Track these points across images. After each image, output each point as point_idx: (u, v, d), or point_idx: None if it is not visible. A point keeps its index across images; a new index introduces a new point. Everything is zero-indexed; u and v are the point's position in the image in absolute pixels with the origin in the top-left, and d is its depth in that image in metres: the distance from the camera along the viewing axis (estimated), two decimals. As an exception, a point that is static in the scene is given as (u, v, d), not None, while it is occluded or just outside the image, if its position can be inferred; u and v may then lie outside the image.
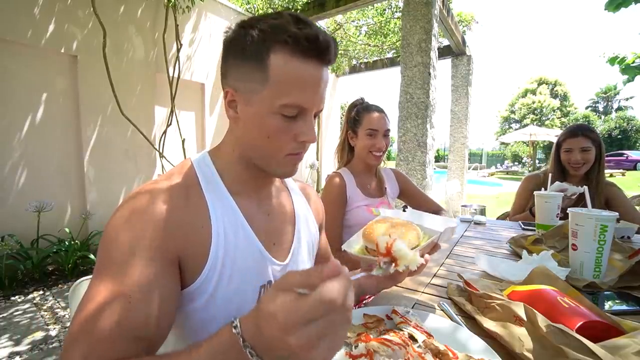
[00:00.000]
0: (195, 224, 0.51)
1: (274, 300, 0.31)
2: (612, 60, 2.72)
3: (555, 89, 26.78)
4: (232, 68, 0.53)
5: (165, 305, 0.44)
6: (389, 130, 1.32)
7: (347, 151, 1.41)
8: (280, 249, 0.62)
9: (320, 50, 0.49)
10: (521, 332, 0.48)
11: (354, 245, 0.67)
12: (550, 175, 1.39)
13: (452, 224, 0.66)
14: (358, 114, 1.33)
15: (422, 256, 0.55)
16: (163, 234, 0.46)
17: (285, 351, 0.30)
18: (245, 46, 0.50)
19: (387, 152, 1.39)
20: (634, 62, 2.62)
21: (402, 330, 0.50)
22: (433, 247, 0.65)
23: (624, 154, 16.63)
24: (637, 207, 1.75)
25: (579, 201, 1.44)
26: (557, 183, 1.36)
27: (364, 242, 0.64)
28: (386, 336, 0.46)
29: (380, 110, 1.32)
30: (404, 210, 0.79)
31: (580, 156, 1.45)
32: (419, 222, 0.69)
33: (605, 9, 2.24)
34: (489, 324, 0.53)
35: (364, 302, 0.86)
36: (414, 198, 1.48)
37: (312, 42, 0.48)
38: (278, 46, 0.48)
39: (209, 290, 0.51)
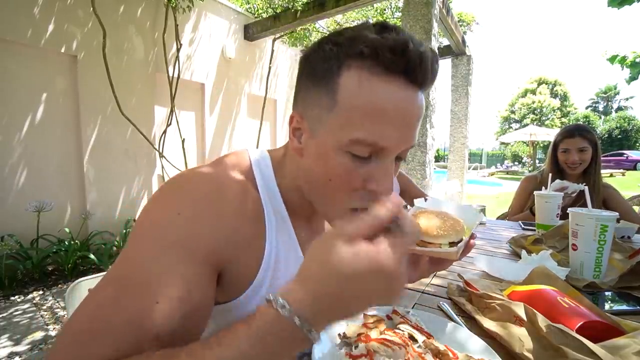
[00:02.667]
0: (250, 236, 0.44)
1: (330, 252, 0.28)
2: (612, 59, 2.72)
3: (555, 89, 26.80)
4: (302, 90, 0.44)
5: (200, 312, 0.38)
6: None
7: None
8: None
9: (410, 65, 0.36)
10: (521, 332, 0.48)
11: None
12: (550, 175, 1.39)
13: (480, 217, 0.64)
14: None
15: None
16: (215, 239, 0.39)
17: (342, 309, 0.29)
18: (317, 64, 0.40)
19: None
20: (634, 60, 2.62)
21: (402, 330, 0.50)
22: (471, 236, 0.62)
23: (624, 154, 16.63)
24: (635, 208, 1.75)
25: (578, 200, 1.44)
26: (557, 181, 1.36)
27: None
28: (386, 336, 0.46)
29: None
30: (405, 209, 0.77)
31: (577, 156, 1.46)
32: (449, 211, 0.66)
33: (608, 5, 2.24)
34: (489, 324, 0.53)
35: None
36: (415, 197, 1.48)
37: (398, 55, 0.36)
38: (352, 61, 0.37)
39: (248, 309, 0.44)
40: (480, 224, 1.47)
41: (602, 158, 1.52)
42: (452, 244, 0.55)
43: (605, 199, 1.48)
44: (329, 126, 0.40)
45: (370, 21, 0.40)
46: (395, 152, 0.41)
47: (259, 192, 0.47)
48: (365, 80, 0.37)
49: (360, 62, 0.37)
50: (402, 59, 0.36)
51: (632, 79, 2.71)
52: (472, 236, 0.58)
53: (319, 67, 0.40)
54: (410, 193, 1.50)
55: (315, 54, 0.41)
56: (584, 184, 1.29)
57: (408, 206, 0.72)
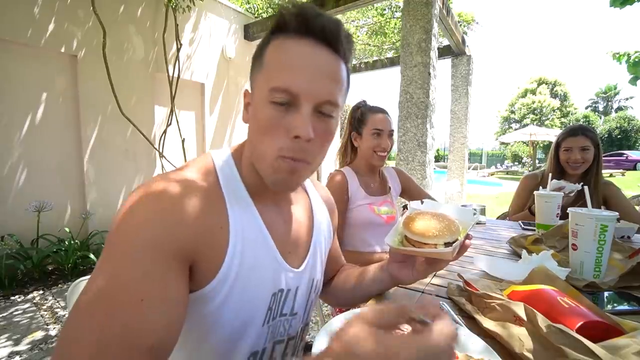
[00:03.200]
0: (213, 226, 0.47)
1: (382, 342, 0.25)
2: (619, 58, 2.73)
3: (555, 89, 26.79)
4: (251, 72, 0.53)
5: (178, 308, 0.40)
6: (392, 131, 1.33)
7: (349, 152, 1.42)
8: (296, 256, 0.60)
9: (311, 26, 0.45)
10: (521, 332, 0.48)
11: (393, 238, 0.63)
12: (550, 174, 1.39)
13: (475, 218, 0.65)
14: (363, 114, 1.34)
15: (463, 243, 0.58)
16: (182, 235, 0.42)
17: None
18: (258, 48, 0.51)
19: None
20: (636, 60, 2.62)
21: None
22: (466, 236, 0.63)
23: (624, 154, 16.63)
24: (636, 207, 1.75)
25: (578, 200, 1.44)
26: (554, 181, 1.36)
27: (410, 234, 0.58)
28: (386, 336, 0.46)
29: (385, 112, 1.34)
30: (405, 208, 0.77)
31: (580, 155, 1.46)
32: (447, 213, 0.66)
33: (610, 5, 2.24)
34: (488, 323, 0.53)
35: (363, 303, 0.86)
36: (416, 196, 1.49)
37: (300, 17, 0.45)
38: (274, 32, 0.48)
39: (221, 295, 0.47)
40: (480, 223, 1.47)
41: (602, 160, 1.52)
42: (447, 245, 0.55)
43: (606, 195, 1.48)
44: (258, 85, 0.48)
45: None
46: (310, 101, 0.46)
47: (220, 185, 0.51)
48: (281, 44, 0.46)
49: (279, 33, 0.47)
50: (306, 24, 0.45)
51: (637, 78, 2.70)
52: (467, 236, 0.59)
53: (258, 48, 0.50)
54: (411, 192, 1.51)
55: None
56: (582, 184, 1.30)
57: (408, 206, 0.72)
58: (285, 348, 0.60)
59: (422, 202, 0.69)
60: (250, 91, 0.53)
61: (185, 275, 0.43)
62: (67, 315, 0.38)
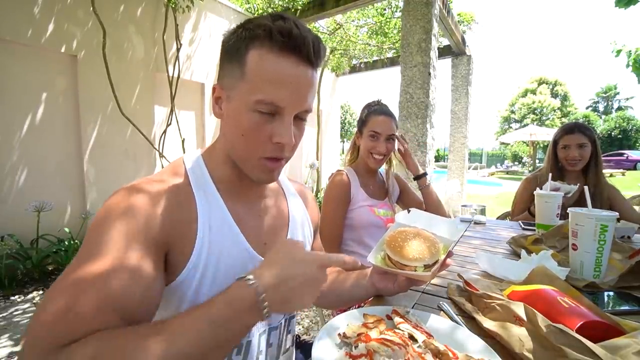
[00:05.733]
0: (183, 220, 0.51)
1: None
2: (618, 53, 2.73)
3: (555, 88, 26.80)
4: (221, 66, 0.55)
5: (149, 291, 0.44)
6: (393, 134, 1.31)
7: (355, 150, 1.42)
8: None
9: (296, 45, 0.48)
10: (521, 332, 0.48)
11: (376, 254, 0.66)
12: (550, 174, 1.39)
13: (459, 232, 0.67)
14: (366, 115, 1.33)
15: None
16: (155, 227, 0.47)
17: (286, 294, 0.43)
18: (231, 44, 0.52)
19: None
20: (636, 59, 2.62)
21: (402, 330, 0.50)
22: (447, 254, 0.64)
23: (624, 154, 16.63)
24: (636, 207, 1.75)
25: (580, 200, 1.44)
26: (551, 182, 1.37)
27: (392, 254, 0.61)
28: (386, 336, 0.46)
29: (388, 114, 1.31)
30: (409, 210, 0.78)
31: (577, 152, 1.48)
32: (430, 229, 0.68)
33: (615, 6, 2.25)
34: (488, 323, 0.53)
35: (364, 303, 0.86)
36: (411, 203, 1.49)
37: (286, 36, 0.47)
38: (256, 41, 0.49)
39: (193, 286, 0.51)
40: (480, 223, 1.47)
41: (602, 158, 1.52)
42: (427, 267, 0.59)
43: (610, 198, 1.48)
44: (239, 92, 0.51)
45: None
46: (292, 112, 0.51)
47: (191, 184, 0.55)
48: (265, 56, 0.48)
49: (261, 42, 0.48)
50: (290, 41, 0.48)
51: None
52: (448, 254, 0.63)
53: (232, 47, 0.51)
54: (407, 198, 1.51)
55: (230, 37, 0.52)
56: (578, 184, 1.30)
57: (408, 211, 0.73)
58: (268, 338, 0.62)
59: (408, 211, 0.72)
60: (220, 86, 0.55)
61: (159, 262, 0.47)
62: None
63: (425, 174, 1.43)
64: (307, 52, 0.49)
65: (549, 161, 1.59)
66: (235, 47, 0.51)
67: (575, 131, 1.50)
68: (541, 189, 1.32)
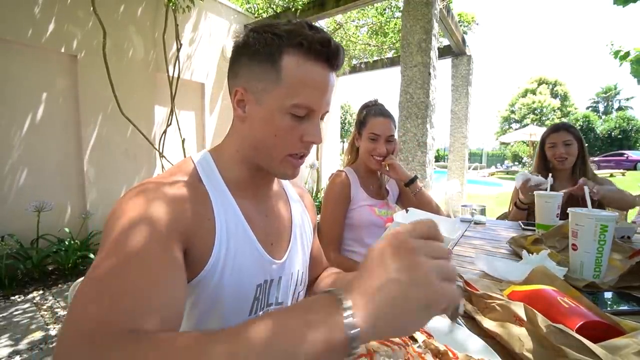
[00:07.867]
0: (202, 215, 0.51)
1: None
2: (616, 54, 2.74)
3: (555, 89, 26.81)
4: (244, 69, 0.55)
5: (183, 290, 0.42)
6: (392, 136, 1.30)
7: (354, 151, 1.42)
8: (278, 248, 0.63)
9: (330, 54, 0.52)
10: (521, 332, 0.48)
11: None
12: (538, 173, 1.42)
13: (458, 231, 0.67)
14: (365, 116, 1.33)
15: None
16: (176, 222, 0.45)
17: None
18: (259, 48, 0.52)
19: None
20: (638, 58, 2.62)
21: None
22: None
23: (624, 154, 16.58)
24: (636, 207, 1.75)
25: (578, 200, 1.44)
26: (521, 173, 1.43)
27: None
28: (386, 336, 0.46)
29: (387, 115, 1.31)
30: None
31: (563, 149, 1.55)
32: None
33: (614, 4, 2.25)
34: (488, 323, 0.53)
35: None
36: (411, 204, 1.49)
37: (325, 46, 0.51)
38: (292, 49, 0.51)
39: (212, 283, 0.51)
40: (480, 223, 1.47)
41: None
42: None
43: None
44: (274, 95, 0.52)
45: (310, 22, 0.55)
46: (320, 113, 0.56)
47: (202, 182, 0.55)
48: (302, 64, 0.51)
49: (298, 49, 0.51)
50: (327, 50, 0.52)
51: None
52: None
53: (262, 51, 0.52)
54: (406, 198, 1.51)
55: (256, 41, 0.53)
56: (549, 177, 1.33)
57: (406, 210, 0.74)
58: None
59: (407, 211, 0.72)
60: (244, 89, 0.55)
61: (181, 256, 0.46)
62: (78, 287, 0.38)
63: (416, 178, 1.34)
64: (336, 60, 0.54)
65: (538, 160, 1.67)
66: (267, 52, 0.52)
67: (560, 129, 1.58)
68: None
